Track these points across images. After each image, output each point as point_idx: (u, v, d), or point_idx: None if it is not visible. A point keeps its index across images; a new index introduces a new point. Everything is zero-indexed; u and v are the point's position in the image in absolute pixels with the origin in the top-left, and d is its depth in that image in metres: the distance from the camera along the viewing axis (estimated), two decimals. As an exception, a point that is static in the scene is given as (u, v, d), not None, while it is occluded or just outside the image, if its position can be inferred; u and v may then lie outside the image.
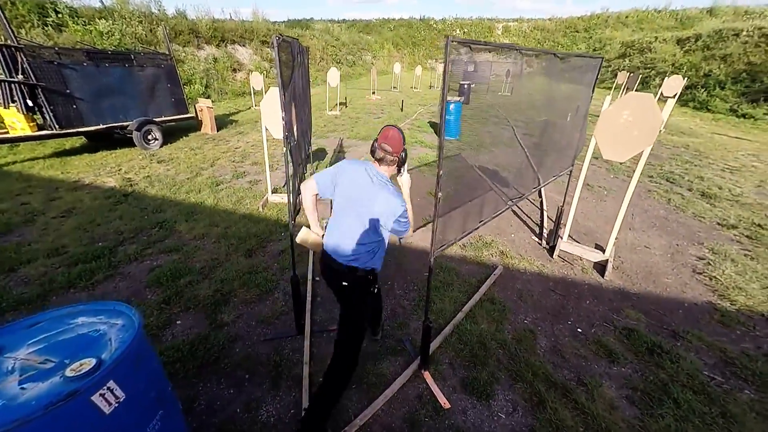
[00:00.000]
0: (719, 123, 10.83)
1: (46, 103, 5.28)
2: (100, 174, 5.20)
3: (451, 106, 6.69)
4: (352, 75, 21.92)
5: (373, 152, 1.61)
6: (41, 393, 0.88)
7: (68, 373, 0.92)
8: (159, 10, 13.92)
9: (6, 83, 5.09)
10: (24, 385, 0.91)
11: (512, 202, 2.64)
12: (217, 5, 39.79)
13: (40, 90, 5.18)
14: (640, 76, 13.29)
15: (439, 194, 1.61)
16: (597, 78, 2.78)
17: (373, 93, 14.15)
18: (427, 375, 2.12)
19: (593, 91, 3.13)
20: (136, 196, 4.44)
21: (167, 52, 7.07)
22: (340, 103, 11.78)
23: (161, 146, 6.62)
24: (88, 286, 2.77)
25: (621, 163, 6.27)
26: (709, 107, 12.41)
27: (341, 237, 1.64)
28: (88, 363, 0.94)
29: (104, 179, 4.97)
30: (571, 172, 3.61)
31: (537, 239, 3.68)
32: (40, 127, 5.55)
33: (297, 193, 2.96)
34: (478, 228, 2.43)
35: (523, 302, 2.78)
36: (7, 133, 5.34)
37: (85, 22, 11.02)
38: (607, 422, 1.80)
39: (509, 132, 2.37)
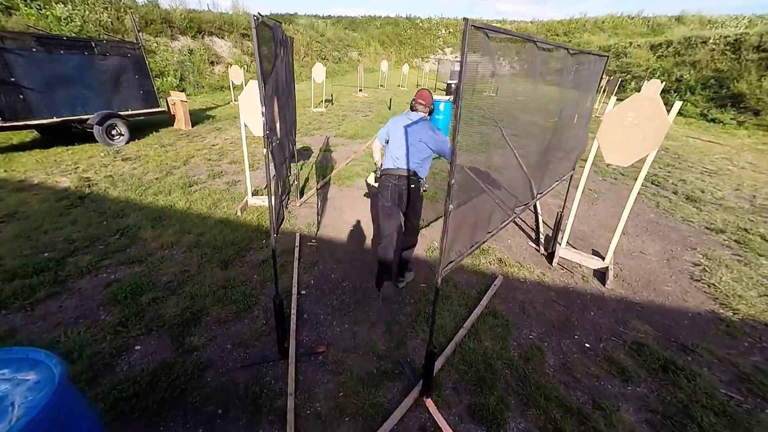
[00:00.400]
0: (691, 127, 11.31)
1: (-14, 93, 4.64)
2: (53, 173, 4.62)
3: (441, 105, 6.52)
4: (337, 72, 21.45)
5: (412, 107, 2.43)
6: None
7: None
8: (127, -4, 12.98)
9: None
10: None
11: (518, 212, 2.45)
12: (194, -5, 37.87)
13: (-21, 77, 4.54)
14: (620, 79, 13.72)
15: (450, 206, 1.37)
16: (601, 78, 2.65)
17: (360, 90, 13.83)
18: (429, 403, 1.89)
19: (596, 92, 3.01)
20: (95, 198, 3.94)
21: (135, 41, 6.46)
22: (326, 100, 11.39)
23: (127, 142, 6.03)
24: (25, 306, 2.34)
25: (608, 165, 6.32)
26: (681, 111, 12.95)
27: (404, 159, 2.36)
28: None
29: (57, 179, 4.41)
30: (571, 176, 3.49)
31: (534, 245, 3.54)
32: (-19, 120, 4.89)
33: (279, 197, 2.65)
34: (486, 240, 2.22)
35: (527, 315, 2.61)
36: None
37: (39, 6, 10.02)
38: (630, 455, 1.63)
39: (517, 137, 2.19)
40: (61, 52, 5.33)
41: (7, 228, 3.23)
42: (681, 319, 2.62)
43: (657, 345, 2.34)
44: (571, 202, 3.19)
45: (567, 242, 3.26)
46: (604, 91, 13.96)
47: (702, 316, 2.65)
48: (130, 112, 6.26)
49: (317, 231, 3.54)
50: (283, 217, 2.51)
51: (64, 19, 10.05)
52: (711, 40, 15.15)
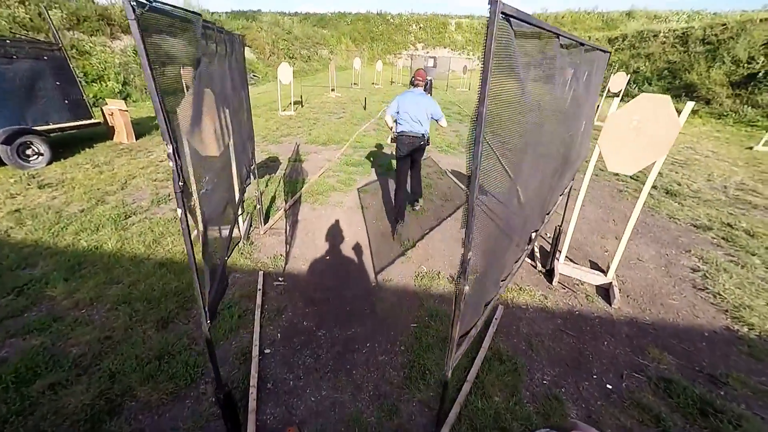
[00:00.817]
0: (652, 117, 11.78)
1: None
2: (-59, 209, 3.67)
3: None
4: (308, 71, 20.52)
5: (415, 84, 3.37)
6: None
7: None
8: (52, -11, 11.38)
9: None
10: None
11: (530, 247, 2.06)
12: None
13: None
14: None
15: (465, 288, 0.91)
16: (602, 75, 2.35)
17: (333, 90, 13.13)
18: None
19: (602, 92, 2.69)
20: (-6, 241, 3.11)
21: (54, 41, 5.45)
22: (295, 102, 10.62)
23: (49, 163, 5.05)
24: None
25: (586, 162, 6.23)
26: (641, 102, 13.53)
27: (414, 125, 3.35)
28: None
29: (-55, 218, 3.48)
30: (571, 186, 3.20)
31: (529, 260, 3.22)
32: None
33: (220, 264, 2.09)
34: (496, 296, 1.81)
35: (535, 353, 2.25)
36: None
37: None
38: None
39: (542, 156, 1.79)
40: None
41: None
42: (698, 340, 2.38)
43: (684, 379, 2.05)
44: (569, 213, 2.89)
45: (565, 256, 2.96)
46: (569, 84, 14.31)
47: (718, 334, 2.43)
48: (51, 127, 5.25)
49: (285, 265, 2.98)
50: (226, 285, 1.88)
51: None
52: (662, 34, 15.99)
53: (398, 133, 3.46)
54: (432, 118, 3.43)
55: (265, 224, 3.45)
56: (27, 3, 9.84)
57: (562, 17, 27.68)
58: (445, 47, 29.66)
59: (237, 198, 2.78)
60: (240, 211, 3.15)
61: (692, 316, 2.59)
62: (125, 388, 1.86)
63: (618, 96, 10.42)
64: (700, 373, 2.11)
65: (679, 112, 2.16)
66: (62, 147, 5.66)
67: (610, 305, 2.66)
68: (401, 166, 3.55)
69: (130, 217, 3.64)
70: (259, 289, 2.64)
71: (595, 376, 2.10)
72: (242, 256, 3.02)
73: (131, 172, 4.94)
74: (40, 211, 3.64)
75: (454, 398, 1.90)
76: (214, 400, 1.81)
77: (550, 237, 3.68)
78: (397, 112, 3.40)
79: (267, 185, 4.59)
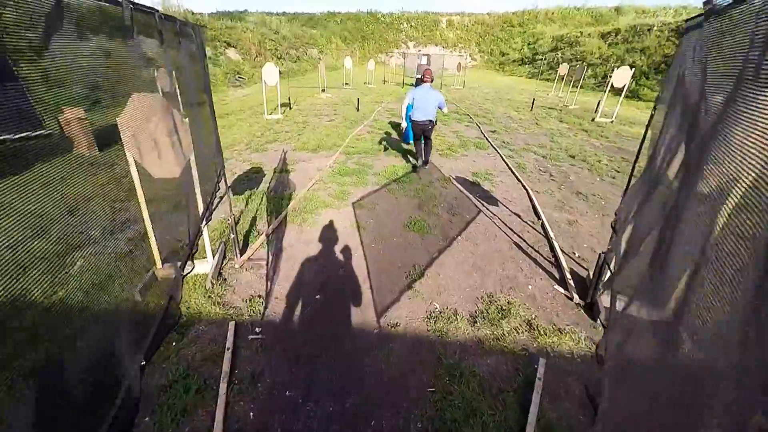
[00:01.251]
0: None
1: None
2: None
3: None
4: (297, 71, 19.81)
5: (424, 80, 4.65)
6: None
7: None
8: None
9: None
10: None
11: None
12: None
13: None
14: (584, 67, 13.67)
15: None
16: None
17: (323, 91, 12.49)
18: None
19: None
20: None
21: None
22: (283, 104, 9.94)
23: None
24: None
25: (599, 162, 5.76)
26: (639, 96, 13.22)
27: (425, 113, 4.52)
28: None
29: None
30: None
31: (563, 290, 2.67)
32: None
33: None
34: None
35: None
36: None
37: None
38: None
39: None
40: None
41: None
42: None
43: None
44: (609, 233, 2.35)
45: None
46: (566, 79, 13.90)
47: None
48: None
49: (264, 310, 2.37)
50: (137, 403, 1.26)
51: None
52: (655, 28, 15.77)
53: (412, 120, 4.62)
54: (439, 107, 4.59)
55: (241, 255, 2.83)
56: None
57: (552, 13, 27.51)
58: (436, 45, 29.28)
59: (196, 224, 2.18)
60: (205, 240, 2.55)
61: None
62: None
63: (621, 93, 10.05)
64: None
65: None
66: (5, 165, 4.95)
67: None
68: (417, 144, 4.89)
69: (75, 250, 2.98)
70: (228, 348, 2.03)
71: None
72: (209, 300, 2.41)
73: (85, 192, 4.26)
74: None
75: None
76: None
77: (579, 257, 3.15)
78: (411, 104, 4.60)
79: (247, 203, 3.95)
